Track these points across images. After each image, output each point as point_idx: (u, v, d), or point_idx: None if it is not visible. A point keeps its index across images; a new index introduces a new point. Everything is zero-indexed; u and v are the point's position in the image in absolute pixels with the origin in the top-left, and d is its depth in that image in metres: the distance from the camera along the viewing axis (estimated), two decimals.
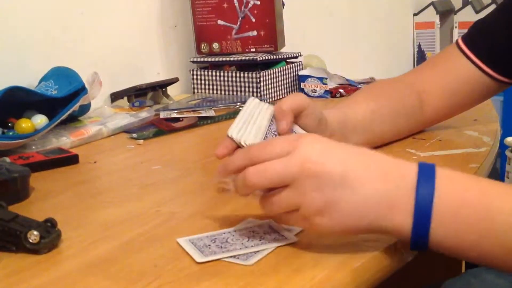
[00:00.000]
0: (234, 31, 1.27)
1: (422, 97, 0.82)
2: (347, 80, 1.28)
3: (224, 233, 0.56)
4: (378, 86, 0.87)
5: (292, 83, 1.29)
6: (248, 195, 0.53)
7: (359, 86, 1.25)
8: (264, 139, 0.59)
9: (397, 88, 0.83)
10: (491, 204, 0.48)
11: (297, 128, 0.63)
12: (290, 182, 0.50)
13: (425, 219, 0.48)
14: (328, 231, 0.51)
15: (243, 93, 1.22)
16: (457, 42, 0.84)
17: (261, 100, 0.63)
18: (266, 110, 0.61)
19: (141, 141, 0.93)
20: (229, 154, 0.59)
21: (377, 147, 0.80)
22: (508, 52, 0.80)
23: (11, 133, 0.87)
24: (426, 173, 0.49)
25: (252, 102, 0.62)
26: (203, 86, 1.27)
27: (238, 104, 1.13)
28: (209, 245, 0.53)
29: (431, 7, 2.43)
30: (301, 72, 1.28)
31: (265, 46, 1.27)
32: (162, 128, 0.99)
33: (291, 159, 0.50)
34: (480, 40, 0.82)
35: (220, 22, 1.27)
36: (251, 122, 0.60)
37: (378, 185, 0.49)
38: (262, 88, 1.20)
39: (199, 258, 0.51)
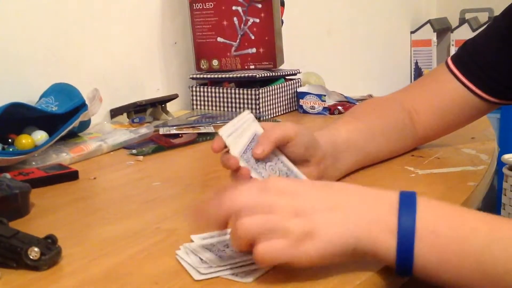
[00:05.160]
0: (233, 48, 1.28)
1: (412, 115, 0.83)
2: (345, 97, 1.29)
3: None
4: (368, 104, 0.88)
5: (291, 100, 1.29)
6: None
7: (357, 103, 1.25)
8: (244, 153, 0.62)
9: (389, 107, 0.84)
10: (466, 229, 0.49)
11: (282, 158, 0.64)
12: (267, 212, 0.49)
13: (408, 251, 0.49)
14: (318, 258, 0.49)
15: (242, 110, 1.22)
16: (446, 62, 0.84)
17: (259, 116, 0.65)
18: (253, 129, 0.64)
19: (141, 157, 0.94)
20: (222, 149, 0.62)
21: (373, 165, 0.80)
22: (497, 73, 0.80)
23: (11, 149, 0.87)
24: (408, 201, 0.50)
25: (247, 116, 0.65)
26: (202, 103, 1.28)
27: None
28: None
29: (428, 25, 2.45)
30: (299, 89, 1.29)
31: (264, 63, 1.28)
32: (161, 144, 1.00)
33: (266, 190, 0.50)
34: (469, 61, 0.82)
35: (219, 39, 1.28)
36: (239, 132, 0.64)
37: (359, 209, 0.50)
38: (261, 105, 1.21)
39: (196, 275, 0.51)
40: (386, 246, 0.49)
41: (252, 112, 1.11)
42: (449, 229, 0.49)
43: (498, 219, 0.50)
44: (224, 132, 0.63)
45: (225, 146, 0.62)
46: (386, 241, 0.49)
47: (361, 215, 0.50)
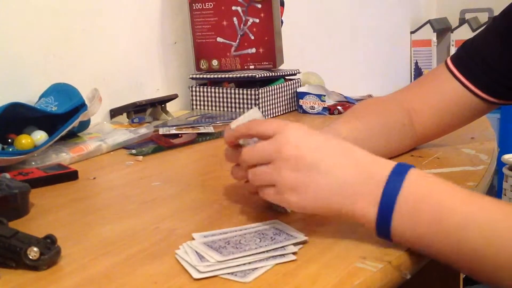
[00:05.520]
0: (233, 48, 1.28)
1: (411, 115, 0.83)
2: (345, 97, 1.29)
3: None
4: (368, 104, 0.88)
5: (291, 100, 1.29)
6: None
7: (357, 103, 1.25)
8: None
9: (388, 107, 0.84)
10: (445, 206, 0.52)
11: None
12: (271, 161, 0.57)
13: (387, 213, 0.53)
14: (297, 208, 0.57)
15: (242, 110, 1.22)
16: (446, 62, 0.84)
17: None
18: None
19: (140, 157, 0.94)
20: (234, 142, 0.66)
21: None
22: (496, 73, 0.80)
23: (11, 149, 0.87)
24: (399, 171, 0.54)
25: (256, 114, 0.66)
26: (202, 103, 1.28)
27: None
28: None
29: (428, 25, 2.45)
30: (299, 89, 1.29)
31: (264, 63, 1.28)
32: (161, 144, 1.00)
33: (274, 141, 0.57)
34: (468, 61, 0.82)
35: (219, 39, 1.29)
36: None
37: (348, 174, 0.55)
38: (260, 105, 1.21)
39: (195, 274, 0.51)
40: (365, 212, 0.54)
41: None
42: (427, 206, 0.52)
43: (482, 201, 0.53)
44: (236, 125, 0.65)
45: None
46: (365, 208, 0.54)
47: (346, 186, 0.55)
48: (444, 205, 0.52)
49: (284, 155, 0.56)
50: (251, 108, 1.20)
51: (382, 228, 0.54)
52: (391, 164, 0.55)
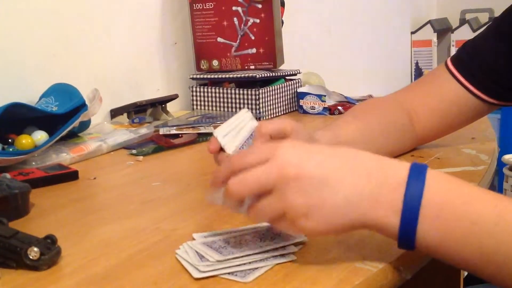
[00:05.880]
0: (233, 49, 1.28)
1: (411, 115, 0.83)
2: (345, 97, 1.29)
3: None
4: (368, 105, 0.88)
5: (291, 100, 1.29)
6: (237, 208, 0.53)
7: (357, 103, 1.25)
8: (240, 148, 0.62)
9: (388, 107, 0.84)
10: (472, 210, 0.49)
11: None
12: (271, 189, 0.50)
13: (412, 218, 0.49)
14: (315, 233, 0.51)
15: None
16: (446, 63, 0.84)
17: (259, 116, 0.65)
18: (251, 125, 0.64)
19: (141, 157, 0.94)
20: (218, 150, 0.61)
21: None
22: (496, 74, 0.80)
23: (11, 149, 0.87)
24: (417, 173, 0.50)
25: (245, 114, 0.64)
26: (202, 103, 1.28)
27: None
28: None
29: (429, 26, 2.45)
30: (300, 89, 1.29)
31: (264, 63, 1.28)
32: (161, 144, 1.00)
33: (270, 165, 0.50)
34: (468, 62, 0.82)
35: (219, 39, 1.29)
36: (236, 130, 0.63)
37: (359, 184, 0.50)
38: (261, 105, 1.21)
39: (195, 273, 0.51)
40: (387, 221, 0.49)
41: (252, 112, 1.12)
42: (452, 210, 0.49)
43: (507, 202, 0.49)
44: (220, 132, 0.63)
45: (221, 147, 0.62)
46: (387, 217, 0.49)
47: (363, 196, 0.50)
48: (472, 208, 0.49)
49: (287, 178, 0.49)
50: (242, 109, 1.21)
51: (405, 235, 0.49)
52: (405, 165, 0.51)
